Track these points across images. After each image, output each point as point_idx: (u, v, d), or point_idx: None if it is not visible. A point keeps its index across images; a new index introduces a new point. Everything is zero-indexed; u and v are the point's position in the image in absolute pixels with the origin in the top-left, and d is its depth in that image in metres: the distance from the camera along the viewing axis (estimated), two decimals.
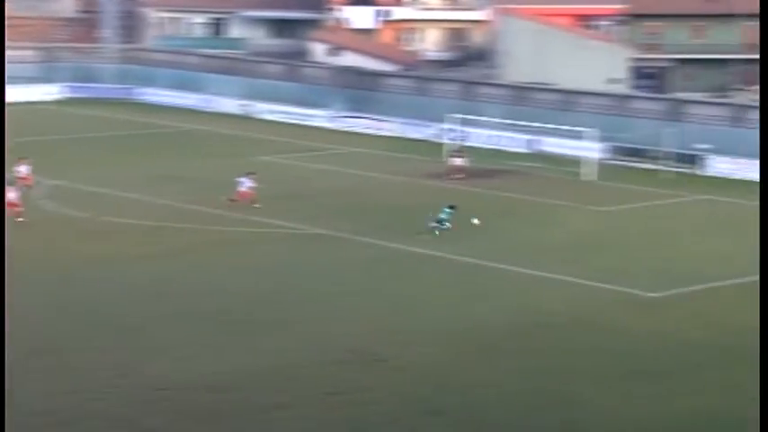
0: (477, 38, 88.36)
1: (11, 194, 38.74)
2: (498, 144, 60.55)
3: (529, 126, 58.51)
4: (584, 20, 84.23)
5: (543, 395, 23.35)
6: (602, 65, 66.94)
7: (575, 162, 53.62)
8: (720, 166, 54.11)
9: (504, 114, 61.04)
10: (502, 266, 34.40)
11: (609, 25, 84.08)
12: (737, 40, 61.61)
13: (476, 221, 39.15)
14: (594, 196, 47.17)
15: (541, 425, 21.92)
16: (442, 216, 38.74)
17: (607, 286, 32.27)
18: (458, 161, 51.68)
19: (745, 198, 47.27)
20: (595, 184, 50.44)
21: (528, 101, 65.30)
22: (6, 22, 69.08)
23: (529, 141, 59.34)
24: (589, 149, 53.95)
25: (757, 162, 52.20)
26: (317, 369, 24.41)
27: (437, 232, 38.14)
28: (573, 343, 26.91)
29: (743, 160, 53.47)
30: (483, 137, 60.55)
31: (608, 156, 56.56)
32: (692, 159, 54.79)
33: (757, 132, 54.78)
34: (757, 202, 45.28)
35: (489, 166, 53.73)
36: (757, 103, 60.69)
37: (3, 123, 42.75)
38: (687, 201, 47.49)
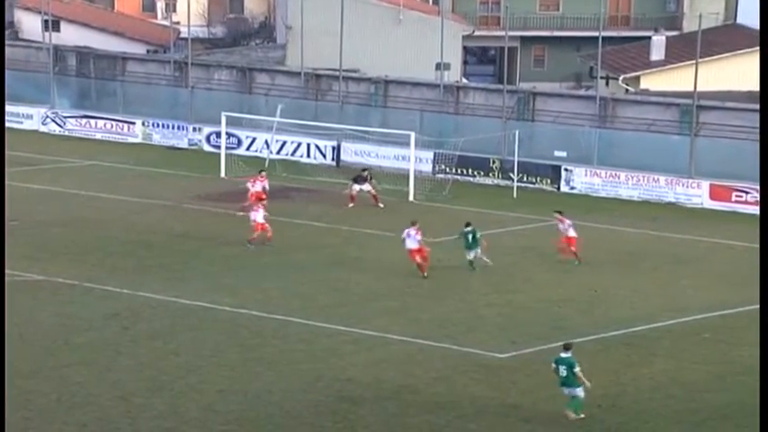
0: (255, 8, 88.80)
1: (258, 216, 43.18)
2: (290, 153, 61.08)
3: (331, 128, 59.10)
4: None
5: None
6: (426, 45, 67.97)
7: (397, 177, 54.42)
8: (582, 179, 56.30)
9: (294, 112, 61.33)
10: (311, 323, 34.66)
11: None
12: (600, 11, 63.14)
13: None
14: (428, 222, 48.28)
15: None
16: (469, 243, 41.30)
17: (446, 345, 32.98)
18: (359, 187, 51.12)
19: (613, 222, 49.56)
20: (426, 206, 51.27)
21: (326, 94, 65.86)
22: None
23: (333, 149, 60.22)
24: (415, 160, 54.96)
25: (628, 173, 55.23)
26: None
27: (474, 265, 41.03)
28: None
29: (608, 171, 55.93)
30: (265, 143, 61.03)
31: (440, 168, 57.68)
32: (547, 171, 56.72)
33: (623, 134, 57.90)
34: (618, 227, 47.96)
35: (280, 182, 53.91)
36: (626, 97, 63.91)
37: (3, 123, 52.82)
38: (545, 227, 49.07)
